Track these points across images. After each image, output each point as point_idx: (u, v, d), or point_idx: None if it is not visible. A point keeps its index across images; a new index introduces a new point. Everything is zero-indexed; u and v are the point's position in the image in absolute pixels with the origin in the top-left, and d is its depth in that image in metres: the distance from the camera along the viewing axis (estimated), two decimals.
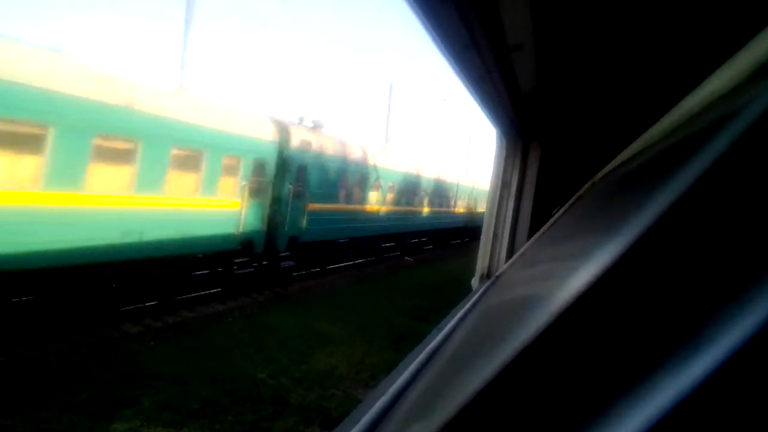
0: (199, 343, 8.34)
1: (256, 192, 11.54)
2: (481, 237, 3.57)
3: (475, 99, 2.68)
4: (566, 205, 3.06)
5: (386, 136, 27.91)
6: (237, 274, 11.87)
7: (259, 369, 7.43)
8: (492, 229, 3.44)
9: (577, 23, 1.36)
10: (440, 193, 24.26)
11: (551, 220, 3.07)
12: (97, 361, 7.15)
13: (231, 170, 10.81)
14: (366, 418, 1.28)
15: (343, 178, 15.21)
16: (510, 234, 3.24)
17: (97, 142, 8.15)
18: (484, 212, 3.82)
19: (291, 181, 12.53)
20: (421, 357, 1.69)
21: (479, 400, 1.12)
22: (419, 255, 22.72)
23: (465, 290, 3.26)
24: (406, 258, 20.53)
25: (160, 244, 9.27)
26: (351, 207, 15.73)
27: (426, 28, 1.53)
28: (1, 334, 7.24)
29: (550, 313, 1.62)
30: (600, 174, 2.78)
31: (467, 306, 2.31)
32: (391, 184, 18.63)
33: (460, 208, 27.54)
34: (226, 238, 10.81)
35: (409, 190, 20.21)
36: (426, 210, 22.64)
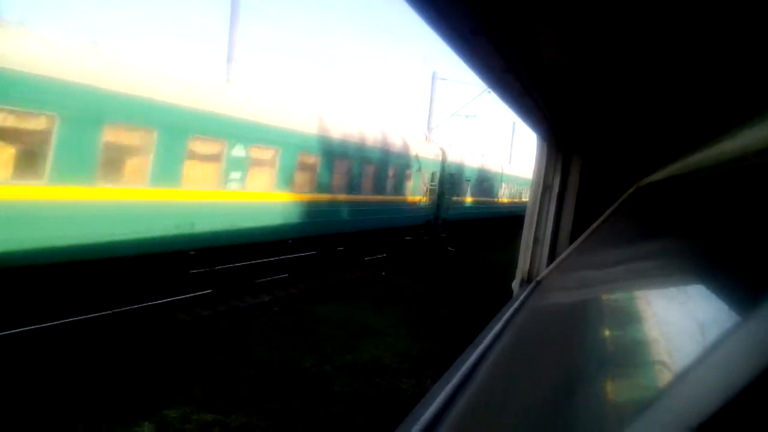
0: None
1: (429, 192, 19.87)
2: (522, 239, 3.59)
3: (515, 113, 2.72)
4: (610, 210, 3.07)
5: (429, 126, 27.81)
6: (423, 240, 20.38)
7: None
8: (533, 232, 3.46)
9: (608, 44, 1.40)
10: (505, 185, 30.96)
11: (595, 224, 3.08)
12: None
13: (423, 178, 19.24)
14: (425, 417, 1.36)
15: (467, 181, 24.27)
16: (552, 238, 3.26)
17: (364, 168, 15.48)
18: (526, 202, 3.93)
19: (445, 185, 21.06)
20: (472, 360, 1.76)
21: (539, 408, 1.20)
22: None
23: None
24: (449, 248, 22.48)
25: (382, 221, 16.78)
26: (470, 199, 25.06)
27: (464, 58, 1.58)
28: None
29: (599, 323, 1.67)
30: (645, 181, 2.78)
31: (511, 310, 2.37)
32: (482, 181, 27.01)
33: (514, 197, 33.42)
34: (418, 218, 19.39)
35: (490, 184, 28.27)
36: (504, 200, 30.92)
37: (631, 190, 2.95)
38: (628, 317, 1.51)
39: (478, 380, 1.64)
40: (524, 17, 1.26)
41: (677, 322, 1.04)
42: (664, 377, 0.85)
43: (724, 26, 0.88)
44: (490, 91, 2.18)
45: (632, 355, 1.16)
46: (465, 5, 1.13)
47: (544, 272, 3.10)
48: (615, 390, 1.03)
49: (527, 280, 3.23)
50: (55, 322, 7.81)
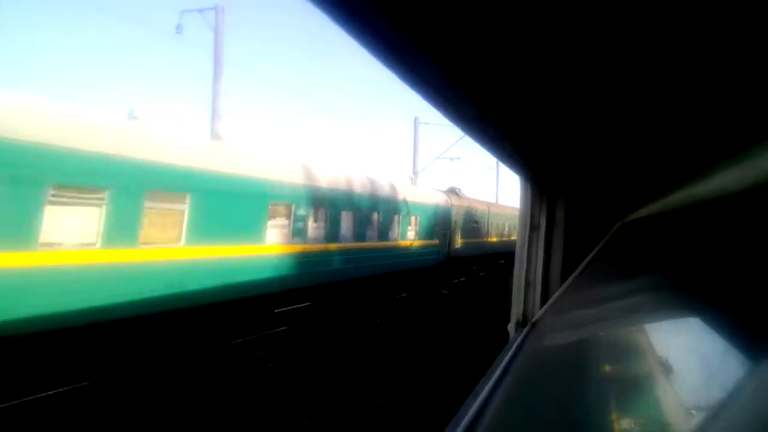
0: None
1: (440, 235, 22.24)
2: (513, 281, 3.60)
3: (495, 157, 2.79)
4: (597, 249, 3.12)
5: (414, 170, 28.21)
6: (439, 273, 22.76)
7: None
8: (524, 273, 3.48)
9: (582, 92, 1.47)
10: (494, 224, 33.21)
11: (583, 263, 3.12)
12: None
13: (435, 225, 21.82)
14: None
15: (470, 223, 26.75)
16: (543, 278, 3.28)
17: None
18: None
19: (449, 228, 23.31)
20: (474, 408, 1.75)
21: None
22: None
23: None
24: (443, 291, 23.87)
25: (411, 263, 19.64)
26: (473, 240, 27.30)
27: (436, 105, 1.63)
28: None
29: (596, 362, 1.68)
30: (629, 218, 2.85)
31: (509, 355, 2.36)
32: (486, 223, 30.40)
33: (498, 236, 35.03)
34: (434, 258, 21.91)
35: (488, 224, 30.90)
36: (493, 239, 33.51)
37: (615, 228, 3.01)
38: (624, 354, 1.52)
39: (484, 428, 1.62)
40: (495, 70, 1.31)
41: (674, 355, 1.06)
42: (667, 412, 0.86)
43: (701, 66, 0.93)
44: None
45: (634, 391, 1.17)
46: (439, 67, 1.18)
47: (538, 314, 3.11)
48: (620, 427, 1.05)
49: (522, 323, 3.23)
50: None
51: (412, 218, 19.65)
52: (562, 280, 3.20)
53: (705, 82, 1.00)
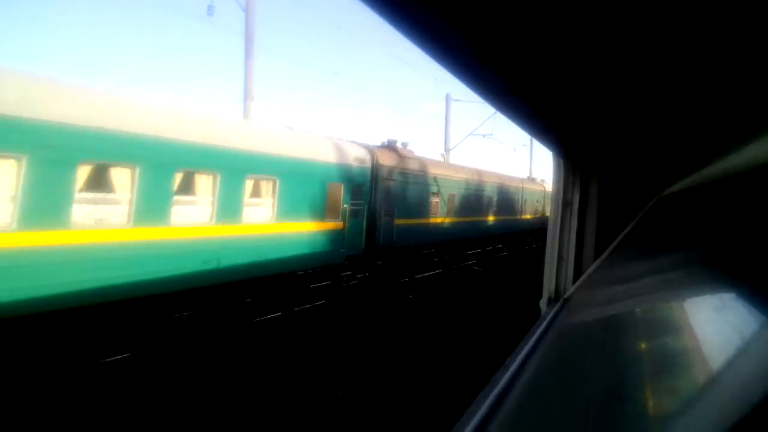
0: None
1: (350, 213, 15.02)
2: (546, 258, 3.58)
3: (527, 132, 2.75)
4: (632, 224, 3.06)
5: (445, 147, 27.98)
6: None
7: None
8: (556, 249, 3.45)
9: (615, 63, 1.43)
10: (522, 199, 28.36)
11: (618, 239, 3.07)
12: None
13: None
14: None
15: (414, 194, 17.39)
16: (576, 255, 3.25)
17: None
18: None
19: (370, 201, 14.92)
20: (504, 381, 1.77)
21: (577, 428, 1.21)
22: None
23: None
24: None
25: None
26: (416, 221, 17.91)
27: (468, 84, 1.61)
28: None
29: (631, 338, 1.67)
30: (665, 192, 2.78)
31: (540, 330, 2.37)
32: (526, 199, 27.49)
33: (528, 214, 29.75)
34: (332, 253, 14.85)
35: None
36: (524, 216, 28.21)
37: (651, 203, 2.94)
38: (660, 329, 1.50)
39: (512, 402, 1.65)
40: (523, 42, 1.29)
41: (710, 331, 1.05)
42: (704, 394, 0.85)
43: (741, 34, 0.90)
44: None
45: (668, 367, 1.15)
46: (463, 38, 1.17)
47: (571, 290, 3.09)
48: (653, 404, 1.04)
49: (554, 299, 3.21)
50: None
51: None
52: (596, 256, 3.16)
53: (741, 52, 0.97)
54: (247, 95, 16.10)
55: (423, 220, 17.50)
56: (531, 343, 2.18)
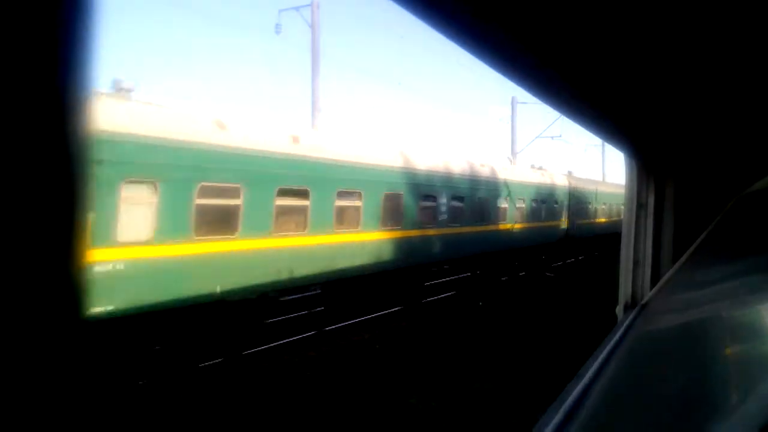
0: None
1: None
2: (621, 262, 3.47)
3: (595, 134, 2.70)
4: (711, 226, 2.93)
5: (512, 151, 27.64)
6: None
7: None
8: (632, 253, 3.34)
9: (687, 65, 1.39)
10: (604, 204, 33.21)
11: (698, 242, 2.94)
12: None
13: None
14: None
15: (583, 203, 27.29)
16: (653, 258, 3.14)
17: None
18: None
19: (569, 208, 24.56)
20: (579, 389, 1.77)
21: None
22: None
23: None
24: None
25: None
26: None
27: (530, 91, 1.62)
28: None
29: (715, 343, 1.62)
30: (745, 192, 2.64)
31: (617, 336, 2.32)
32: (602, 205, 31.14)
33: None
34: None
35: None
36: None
37: (731, 203, 2.80)
38: (746, 336, 1.45)
39: (587, 411, 1.64)
40: (588, 47, 1.28)
41: None
42: None
43: None
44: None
45: (757, 377, 1.09)
46: (522, 46, 1.19)
47: (648, 295, 2.99)
48: (741, 418, 0.91)
49: (631, 305, 3.12)
50: None
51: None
52: (674, 260, 3.04)
53: None
54: (314, 108, 16.69)
55: (589, 221, 27.58)
56: (607, 350, 2.15)
